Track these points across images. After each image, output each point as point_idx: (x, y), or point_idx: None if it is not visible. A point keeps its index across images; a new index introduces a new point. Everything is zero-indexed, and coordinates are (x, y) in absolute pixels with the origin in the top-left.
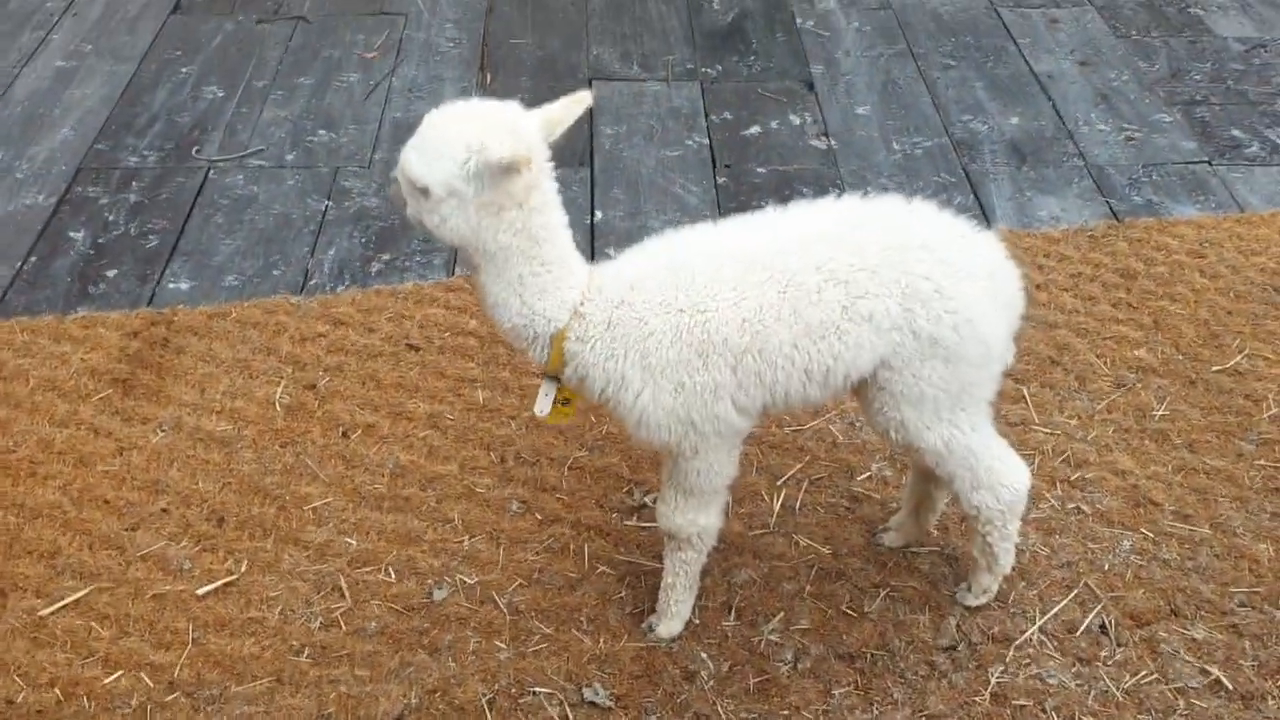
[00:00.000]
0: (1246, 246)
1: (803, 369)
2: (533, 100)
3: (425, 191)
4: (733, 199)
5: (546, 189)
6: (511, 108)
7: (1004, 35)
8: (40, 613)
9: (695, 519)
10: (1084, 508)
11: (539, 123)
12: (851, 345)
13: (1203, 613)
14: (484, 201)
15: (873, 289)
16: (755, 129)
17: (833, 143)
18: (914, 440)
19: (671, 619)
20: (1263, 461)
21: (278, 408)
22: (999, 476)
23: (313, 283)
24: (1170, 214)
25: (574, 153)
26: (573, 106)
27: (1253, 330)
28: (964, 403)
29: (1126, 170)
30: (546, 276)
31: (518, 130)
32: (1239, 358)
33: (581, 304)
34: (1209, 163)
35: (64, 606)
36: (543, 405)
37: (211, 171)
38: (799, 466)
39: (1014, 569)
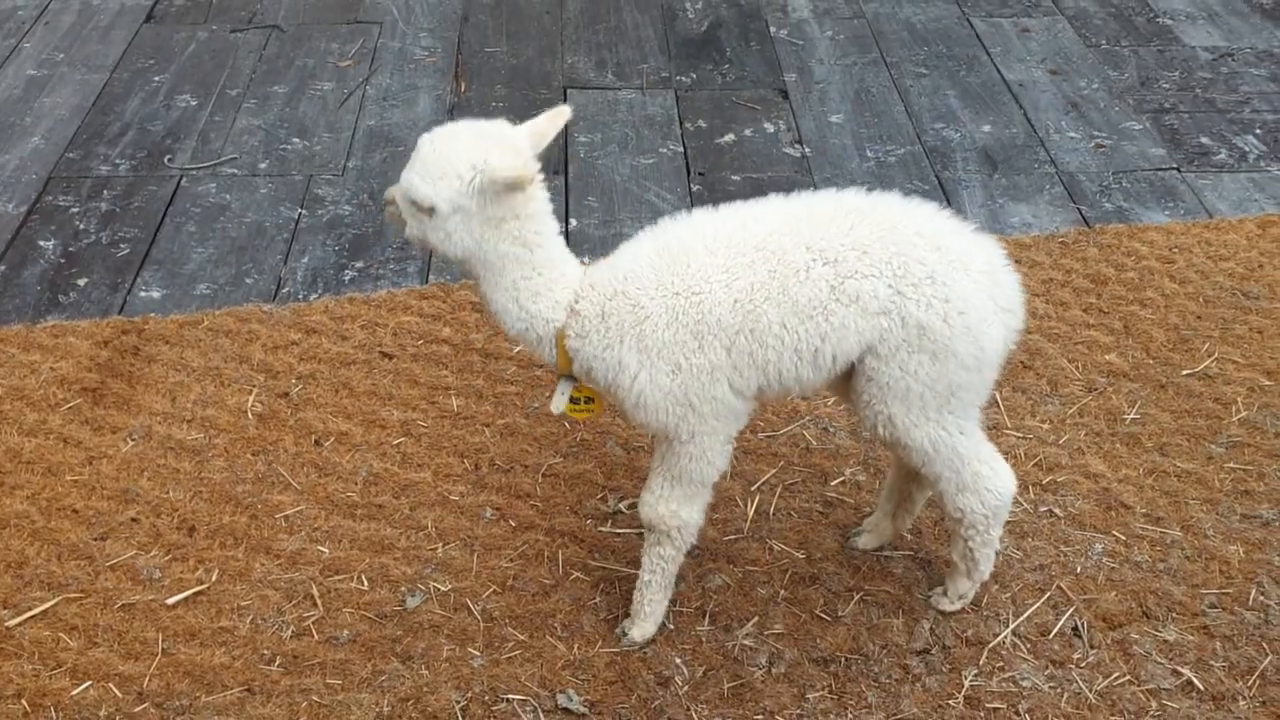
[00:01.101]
0: (1215, 252)
1: (793, 348)
2: (508, 108)
3: (431, 210)
4: (707, 205)
5: (539, 198)
6: (501, 125)
7: (976, 44)
8: (7, 624)
9: (679, 510)
10: (1056, 511)
11: (527, 137)
12: (838, 326)
13: (1174, 614)
14: (487, 216)
15: (862, 269)
16: (729, 137)
17: (807, 150)
18: (901, 437)
19: (645, 620)
20: (1232, 464)
21: (249, 416)
22: (985, 481)
23: (285, 291)
24: (1140, 220)
25: (548, 161)
26: (555, 119)
27: (1222, 334)
28: (953, 404)
29: (1097, 177)
30: (539, 279)
31: (516, 147)
32: (1208, 361)
33: (576, 302)
34: (1178, 170)
35: (32, 617)
36: (558, 403)
37: (184, 180)
38: (773, 472)
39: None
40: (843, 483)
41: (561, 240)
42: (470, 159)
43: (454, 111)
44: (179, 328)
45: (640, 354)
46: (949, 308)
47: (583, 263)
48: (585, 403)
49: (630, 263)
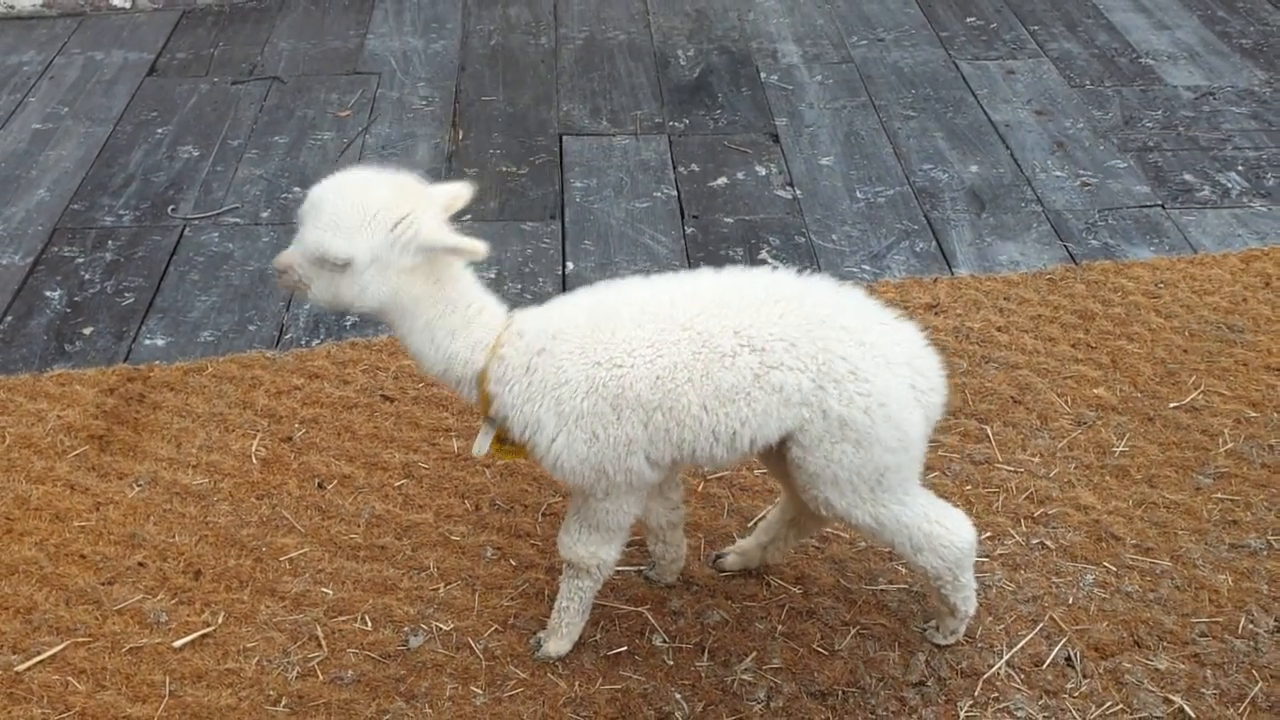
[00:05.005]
0: (1200, 286)
1: (710, 430)
2: (505, 155)
3: (346, 265)
4: (701, 249)
5: (446, 237)
6: (406, 176)
7: (963, 87)
8: (17, 668)
9: (597, 552)
10: (1048, 543)
11: (441, 196)
12: (759, 413)
13: (1165, 643)
14: (404, 264)
15: (787, 360)
16: (722, 180)
17: (798, 192)
18: (843, 517)
19: (561, 639)
20: (1220, 495)
21: (254, 460)
22: (939, 539)
23: (288, 337)
24: (1126, 256)
25: (545, 206)
26: (459, 197)
27: (1208, 367)
28: (885, 484)
29: (1083, 215)
30: (453, 317)
31: (429, 195)
32: (1195, 394)
33: (500, 346)
34: (1162, 206)
35: (40, 661)
36: (480, 445)
37: (187, 229)
38: (769, 508)
39: (981, 604)
40: None
41: (473, 277)
42: (394, 211)
43: (452, 159)
44: (183, 375)
45: (558, 418)
46: (870, 401)
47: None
48: (513, 443)
49: (560, 321)
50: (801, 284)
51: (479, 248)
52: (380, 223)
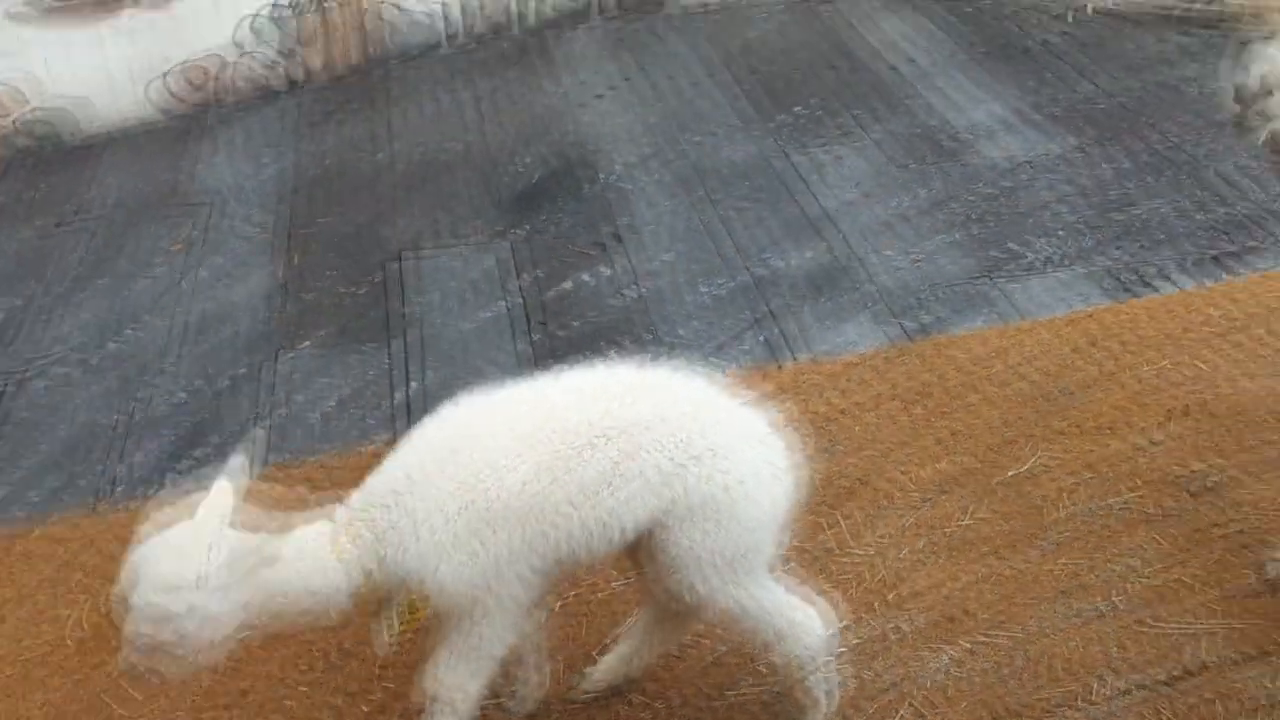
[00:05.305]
0: (1029, 352)
1: (582, 525)
2: (342, 276)
3: (186, 611)
4: (549, 356)
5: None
6: (202, 521)
7: (793, 175)
8: None
9: (465, 684)
10: (903, 626)
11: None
12: (625, 500)
13: (1023, 718)
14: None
15: (646, 444)
16: (567, 285)
17: (642, 291)
18: (704, 604)
19: None
20: (1063, 559)
21: (69, 644)
22: (799, 627)
23: (120, 490)
24: (957, 329)
25: (385, 326)
26: (222, 498)
27: (1042, 432)
28: (747, 565)
29: (914, 291)
30: (300, 565)
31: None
32: (1032, 460)
33: (352, 542)
34: (989, 277)
35: None
36: (383, 643)
37: (8, 386)
38: (629, 621)
39: (842, 697)
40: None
41: (294, 520)
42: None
43: (287, 286)
44: (7, 542)
45: (435, 549)
46: (729, 478)
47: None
48: (410, 614)
49: (410, 460)
50: (646, 372)
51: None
52: (189, 584)
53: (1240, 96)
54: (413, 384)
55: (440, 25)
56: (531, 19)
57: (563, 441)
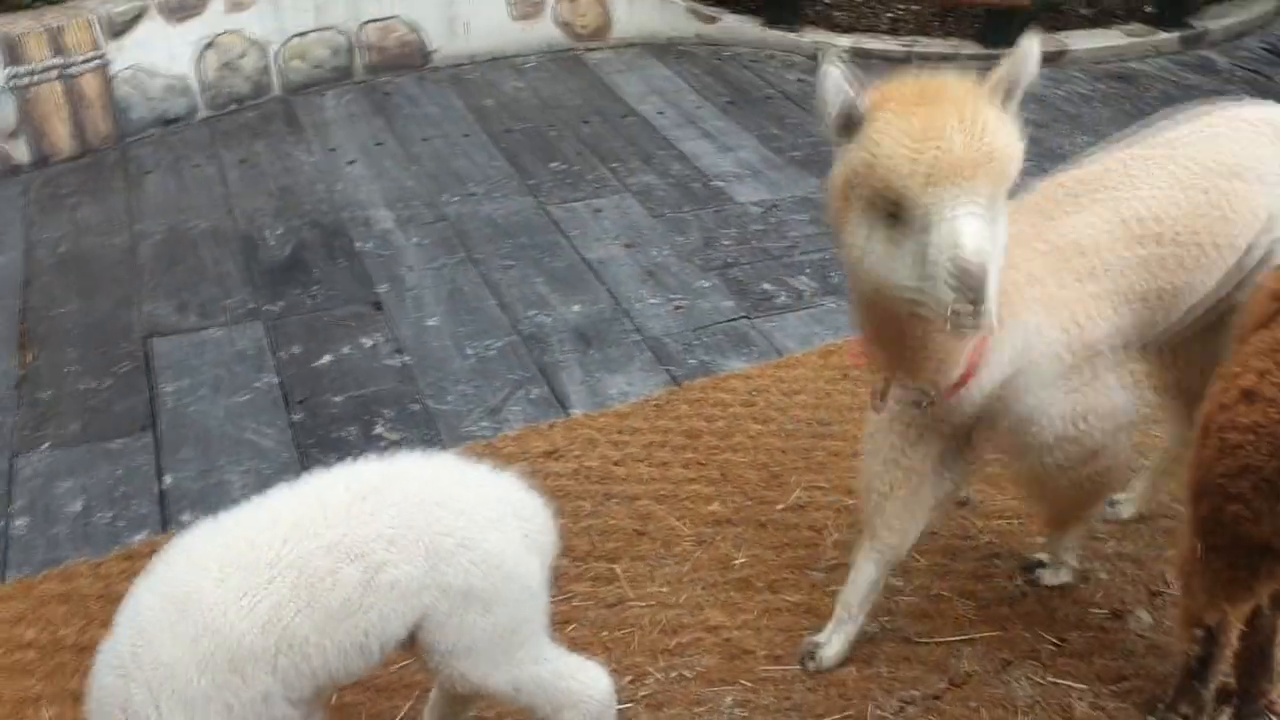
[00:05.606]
0: (789, 388)
1: (336, 650)
2: (84, 371)
3: None
4: (311, 434)
5: None
6: None
7: (555, 230)
8: None
9: None
10: (686, 673)
11: None
12: (380, 618)
13: None
14: None
15: (392, 558)
16: (327, 358)
17: (407, 359)
18: (481, 688)
19: None
20: (833, 587)
21: None
22: (578, 694)
23: None
24: (721, 370)
25: (134, 418)
26: None
27: (805, 465)
28: (519, 640)
29: (679, 337)
30: None
31: None
32: (798, 492)
33: None
34: (748, 317)
35: None
36: None
37: None
38: (409, 704)
39: None
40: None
41: None
42: None
43: (22, 386)
44: None
45: (186, 709)
46: (486, 566)
47: None
48: None
49: (135, 625)
50: (385, 468)
51: None
52: None
53: None
54: (168, 478)
55: (188, 95)
56: (278, 87)
57: (301, 571)
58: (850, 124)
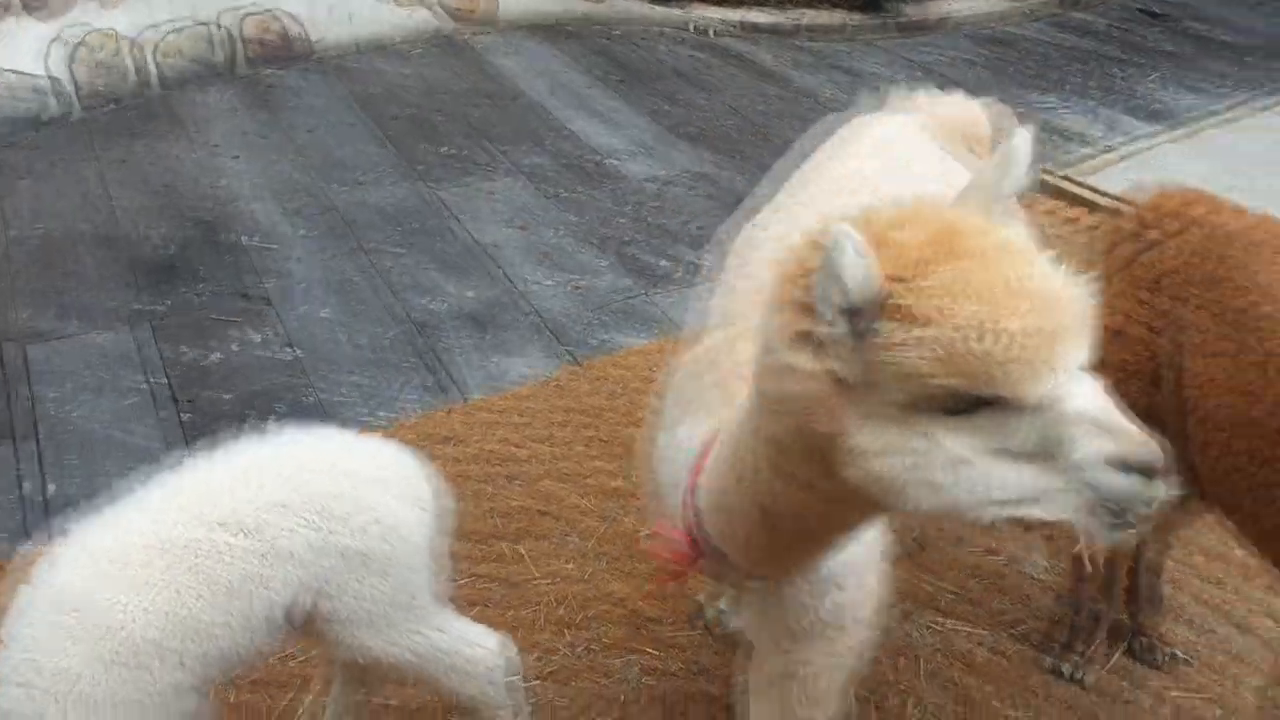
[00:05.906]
0: None
1: (243, 629)
2: None
3: None
4: (201, 433)
5: None
6: None
7: (446, 214)
8: None
9: None
10: (593, 646)
11: None
12: (281, 587)
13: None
14: None
15: (284, 525)
16: (216, 356)
17: (298, 351)
18: (383, 659)
19: None
20: None
21: None
22: (477, 663)
23: None
24: (621, 348)
25: (9, 428)
26: None
27: None
28: (417, 606)
29: (578, 317)
30: None
31: None
32: None
33: None
34: (645, 294)
35: None
36: None
37: None
38: (308, 700)
39: None
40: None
41: None
42: None
43: None
44: None
45: (97, 716)
46: (381, 527)
47: None
48: None
49: (29, 635)
50: (267, 443)
51: None
52: None
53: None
54: (51, 487)
55: (61, 97)
56: (156, 84)
57: (196, 554)
58: (868, 310)
